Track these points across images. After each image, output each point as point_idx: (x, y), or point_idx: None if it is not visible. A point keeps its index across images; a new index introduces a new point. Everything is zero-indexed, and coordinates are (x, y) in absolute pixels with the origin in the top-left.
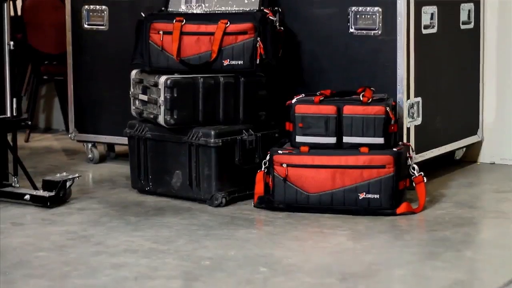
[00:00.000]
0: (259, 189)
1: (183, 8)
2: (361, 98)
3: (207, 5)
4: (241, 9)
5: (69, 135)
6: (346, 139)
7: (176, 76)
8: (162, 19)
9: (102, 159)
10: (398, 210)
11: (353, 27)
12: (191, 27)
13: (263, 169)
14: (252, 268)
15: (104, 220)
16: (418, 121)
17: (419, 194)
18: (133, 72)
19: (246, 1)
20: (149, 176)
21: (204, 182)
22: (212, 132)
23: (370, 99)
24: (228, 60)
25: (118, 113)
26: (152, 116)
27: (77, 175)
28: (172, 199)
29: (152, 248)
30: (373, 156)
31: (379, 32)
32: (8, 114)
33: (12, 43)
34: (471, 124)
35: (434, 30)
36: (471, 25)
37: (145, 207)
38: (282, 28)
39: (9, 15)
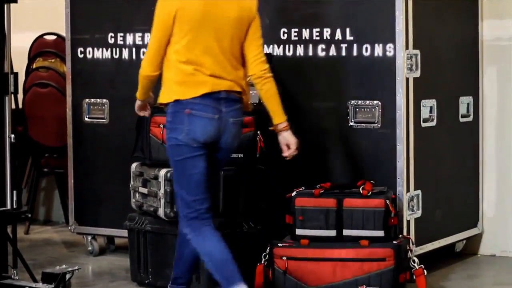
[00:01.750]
0: (259, 282)
1: None
2: (361, 191)
3: None
4: None
5: (69, 228)
6: (346, 232)
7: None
8: (162, 113)
9: (102, 251)
10: None
11: (352, 120)
12: None
13: (263, 262)
14: None
15: None
16: (418, 214)
17: (420, 287)
18: (134, 165)
19: None
20: (149, 269)
21: (204, 275)
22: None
23: (370, 192)
24: None
25: (118, 205)
26: (152, 209)
27: (76, 267)
28: None
29: None
30: (373, 249)
31: (379, 125)
32: (8, 207)
33: (13, 136)
34: (471, 216)
35: (433, 123)
36: (470, 118)
37: None
38: None
39: (10, 108)
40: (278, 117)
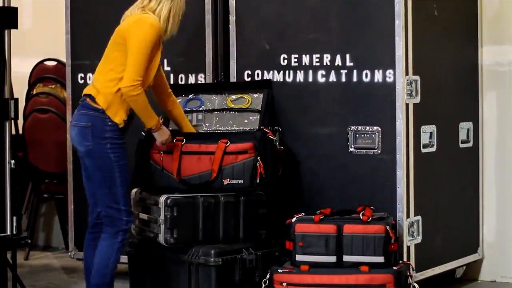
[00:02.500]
0: None
1: None
2: (361, 217)
3: (207, 124)
4: (241, 128)
5: (69, 253)
6: (346, 258)
7: (176, 195)
8: None
9: None
10: None
11: (352, 146)
12: (191, 147)
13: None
14: None
15: None
16: (418, 239)
17: None
18: (134, 191)
19: (246, 121)
20: None
21: None
22: (212, 251)
23: (370, 218)
24: (228, 179)
25: None
26: (152, 235)
27: None
28: None
29: None
30: (374, 275)
31: (379, 151)
32: (8, 232)
33: (13, 161)
34: (471, 242)
35: (433, 149)
36: (470, 144)
37: None
38: (282, 147)
39: (10, 133)
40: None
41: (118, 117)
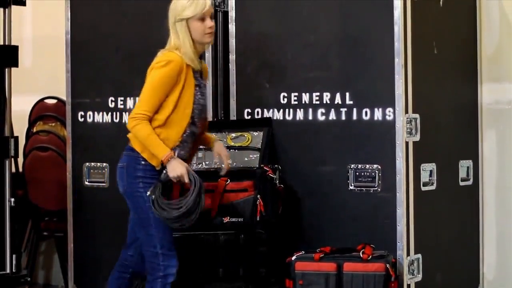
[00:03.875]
0: None
1: None
2: (361, 255)
3: (207, 162)
4: (241, 166)
5: None
6: None
7: (176, 232)
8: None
9: None
10: None
11: (352, 184)
12: None
13: None
14: None
15: None
16: (419, 277)
17: None
18: None
19: (246, 159)
20: None
21: None
22: None
23: (370, 256)
24: (229, 217)
25: None
26: None
27: None
28: None
29: None
30: None
31: (379, 189)
32: (8, 270)
33: (13, 199)
34: (472, 280)
35: (433, 187)
36: (470, 182)
37: None
38: (282, 185)
39: (10, 171)
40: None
41: (155, 159)
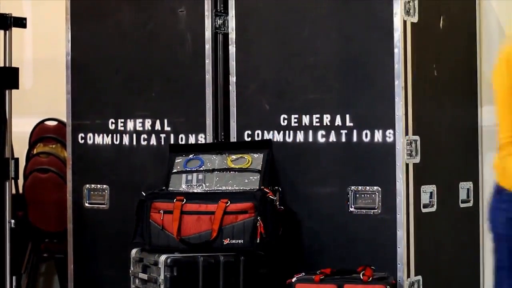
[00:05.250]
0: None
1: (183, 187)
2: (362, 277)
3: (207, 184)
4: (241, 188)
5: None
6: None
7: (176, 255)
8: (163, 199)
9: None
10: None
11: (352, 206)
12: (191, 206)
13: None
14: None
15: None
16: None
17: None
18: (133, 251)
19: (246, 181)
20: None
21: None
22: None
23: (371, 278)
24: (229, 239)
25: None
26: None
27: None
28: None
29: None
30: None
31: (379, 211)
32: None
33: (13, 221)
34: None
35: (433, 209)
36: (471, 203)
37: None
38: (282, 207)
39: (11, 193)
40: None
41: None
